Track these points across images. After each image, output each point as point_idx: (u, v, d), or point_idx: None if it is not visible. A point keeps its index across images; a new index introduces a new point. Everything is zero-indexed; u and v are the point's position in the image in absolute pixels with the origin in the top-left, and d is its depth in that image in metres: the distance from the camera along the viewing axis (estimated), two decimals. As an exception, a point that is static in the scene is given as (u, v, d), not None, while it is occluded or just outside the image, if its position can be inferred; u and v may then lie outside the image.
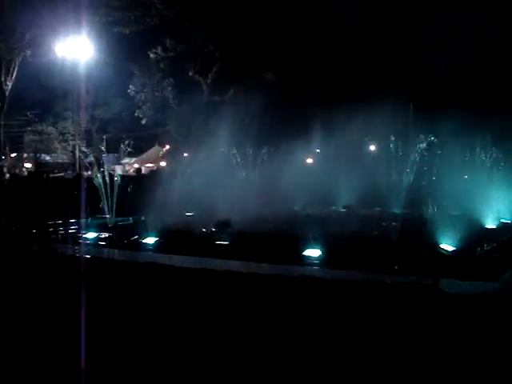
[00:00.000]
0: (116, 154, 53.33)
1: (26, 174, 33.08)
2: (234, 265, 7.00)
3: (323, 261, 8.14)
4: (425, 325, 4.82)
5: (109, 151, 52.37)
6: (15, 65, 34.70)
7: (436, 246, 8.93)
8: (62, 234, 9.28)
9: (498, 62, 32.11)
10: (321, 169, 21.47)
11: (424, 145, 18.10)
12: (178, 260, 6.98)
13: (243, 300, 5.27)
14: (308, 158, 28.90)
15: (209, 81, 34.94)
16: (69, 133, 41.10)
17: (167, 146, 42.71)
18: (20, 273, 6.20)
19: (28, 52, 33.91)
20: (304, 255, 8.26)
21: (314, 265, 7.95)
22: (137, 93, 37.10)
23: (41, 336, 5.01)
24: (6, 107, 36.26)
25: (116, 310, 5.21)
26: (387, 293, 5.63)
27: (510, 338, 4.68)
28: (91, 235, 9.33)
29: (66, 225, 9.90)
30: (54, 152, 42.70)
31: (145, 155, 49.23)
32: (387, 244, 9.64)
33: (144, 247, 8.49)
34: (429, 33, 34.68)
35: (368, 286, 5.90)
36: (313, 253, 8.27)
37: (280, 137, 23.85)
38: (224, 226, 10.30)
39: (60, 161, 43.00)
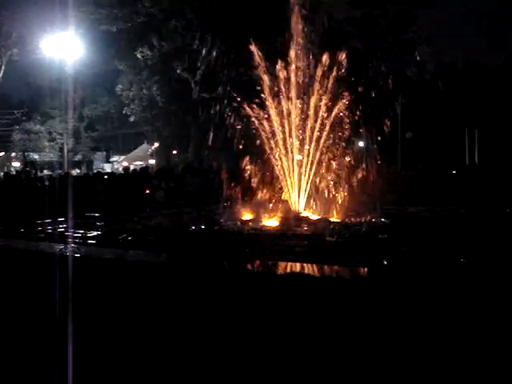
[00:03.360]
0: (105, 152, 53.63)
1: (14, 172, 33.00)
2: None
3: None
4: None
5: (97, 149, 52.51)
6: (2, 63, 34.62)
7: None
8: (49, 232, 9.25)
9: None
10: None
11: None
12: (165, 258, 6.98)
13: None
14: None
15: (197, 78, 34.97)
16: (57, 131, 41.08)
17: (156, 144, 42.76)
18: (5, 272, 6.20)
19: (15, 51, 33.83)
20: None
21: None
22: (124, 90, 37.08)
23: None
24: (-7, 106, 36.24)
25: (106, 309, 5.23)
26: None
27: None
28: (79, 233, 9.31)
29: (55, 223, 9.86)
30: (43, 151, 42.68)
31: (133, 153, 49.26)
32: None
33: (132, 245, 8.45)
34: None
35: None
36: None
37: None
38: (213, 224, 10.31)
39: (48, 159, 43.00)
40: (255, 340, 4.49)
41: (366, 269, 5.81)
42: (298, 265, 6.05)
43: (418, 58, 34.87)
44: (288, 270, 5.98)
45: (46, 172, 36.30)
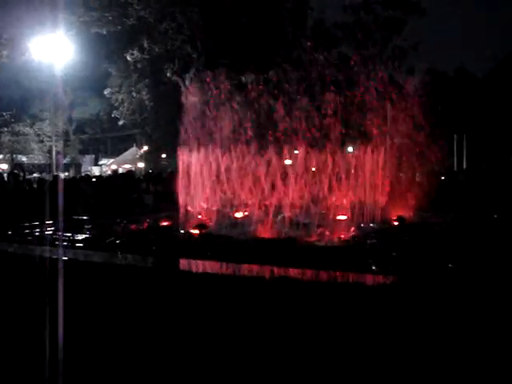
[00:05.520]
0: (93, 155, 53.43)
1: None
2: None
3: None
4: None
5: (86, 152, 52.21)
6: (-9, 65, 34.37)
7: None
8: (36, 235, 9.19)
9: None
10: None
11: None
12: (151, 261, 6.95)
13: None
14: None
15: (187, 82, 34.93)
16: (45, 134, 40.88)
17: (145, 147, 42.62)
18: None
19: (4, 52, 33.57)
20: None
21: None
22: (113, 94, 36.93)
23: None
24: (-19, 108, 36.00)
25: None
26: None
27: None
28: (67, 236, 9.25)
29: (42, 226, 9.79)
30: (31, 153, 42.44)
31: (122, 156, 49.07)
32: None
33: (119, 248, 8.39)
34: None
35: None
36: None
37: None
38: (201, 227, 10.27)
39: (37, 162, 42.74)
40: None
41: (350, 273, 5.81)
42: (283, 269, 6.05)
43: (408, 65, 35.04)
44: (275, 274, 5.97)
45: (35, 175, 36.09)
